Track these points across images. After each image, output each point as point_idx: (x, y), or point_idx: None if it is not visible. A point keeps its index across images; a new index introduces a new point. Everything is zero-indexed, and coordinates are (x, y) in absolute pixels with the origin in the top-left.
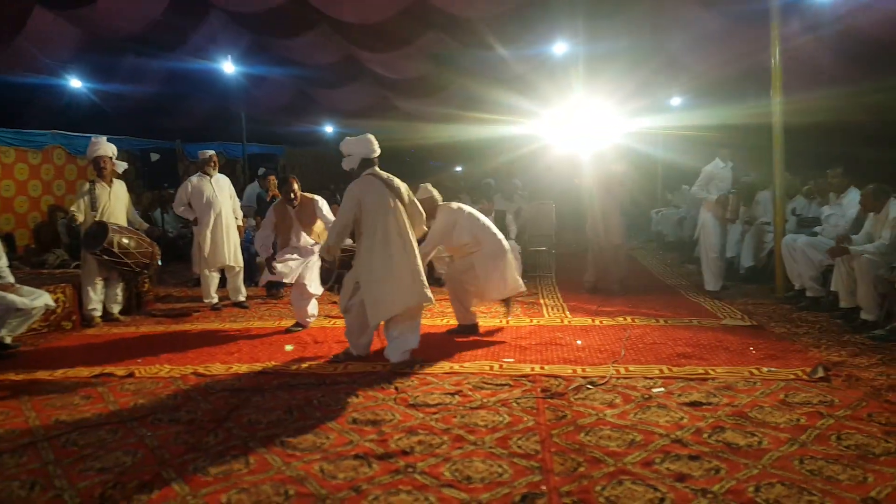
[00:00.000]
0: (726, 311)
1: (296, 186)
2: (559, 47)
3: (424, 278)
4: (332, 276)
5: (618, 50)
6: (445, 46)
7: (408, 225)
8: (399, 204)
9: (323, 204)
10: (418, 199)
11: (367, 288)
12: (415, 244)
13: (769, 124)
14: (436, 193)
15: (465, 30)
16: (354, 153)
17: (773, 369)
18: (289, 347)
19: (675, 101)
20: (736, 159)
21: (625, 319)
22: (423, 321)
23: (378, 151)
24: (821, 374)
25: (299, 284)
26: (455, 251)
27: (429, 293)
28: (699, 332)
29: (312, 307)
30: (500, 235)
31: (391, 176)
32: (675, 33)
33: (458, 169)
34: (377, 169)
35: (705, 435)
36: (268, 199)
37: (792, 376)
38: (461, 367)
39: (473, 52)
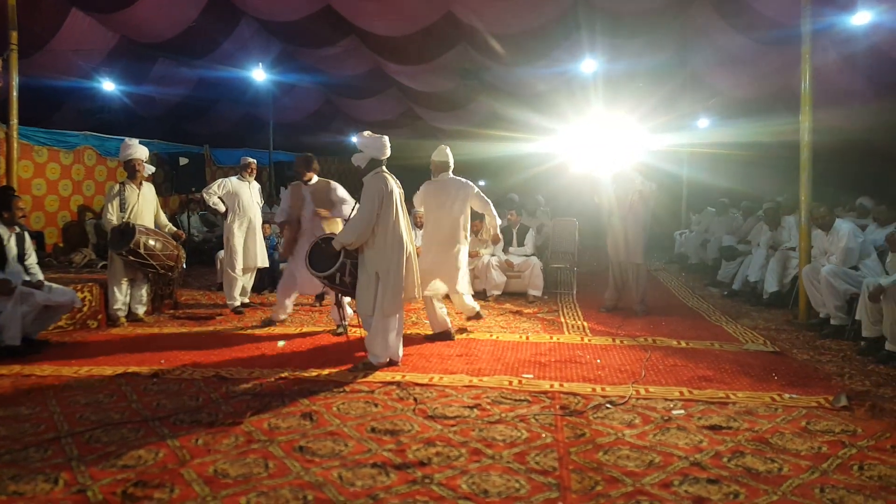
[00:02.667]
0: (749, 335)
1: (315, 165)
2: (585, 65)
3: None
4: (338, 263)
5: (643, 68)
6: (471, 61)
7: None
8: (402, 203)
9: (337, 187)
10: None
11: (387, 278)
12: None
13: (796, 143)
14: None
15: (492, 46)
16: (367, 151)
17: (794, 396)
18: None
19: (702, 120)
20: (762, 181)
21: (646, 340)
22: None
23: (388, 154)
24: (844, 402)
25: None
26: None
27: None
28: (721, 355)
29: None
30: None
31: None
32: (702, 52)
33: (482, 183)
34: (385, 169)
35: (725, 459)
36: None
37: (814, 404)
38: (480, 381)
39: (498, 69)
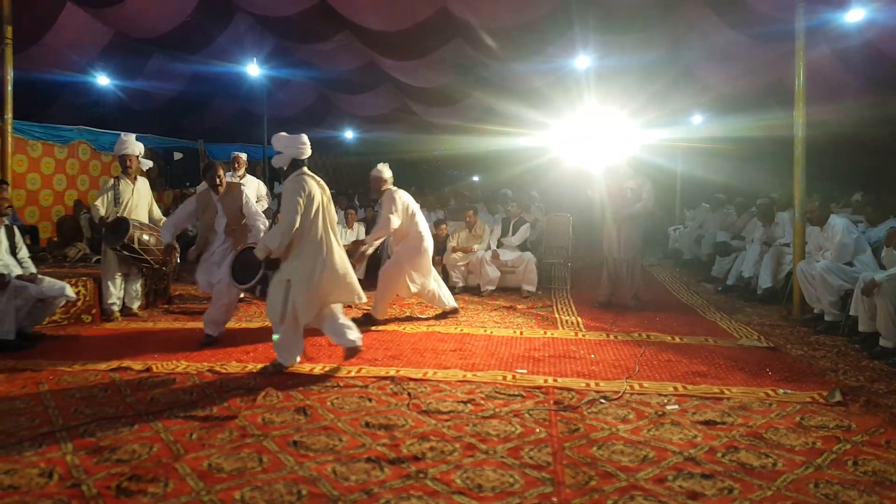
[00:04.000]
0: (743, 331)
1: (221, 172)
2: (578, 60)
3: (355, 276)
4: (259, 275)
5: (636, 63)
6: (466, 57)
7: (334, 222)
8: (328, 202)
9: (249, 193)
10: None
11: (301, 286)
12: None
13: (790, 138)
14: (386, 174)
15: (486, 41)
16: (286, 152)
17: (789, 391)
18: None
19: (696, 115)
20: (757, 177)
21: (640, 336)
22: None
23: (308, 153)
24: (838, 398)
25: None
26: (399, 237)
27: (360, 290)
28: (715, 351)
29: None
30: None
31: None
32: (695, 48)
33: (476, 178)
34: (306, 169)
35: (719, 454)
36: None
37: (808, 399)
38: (474, 375)
39: (493, 64)
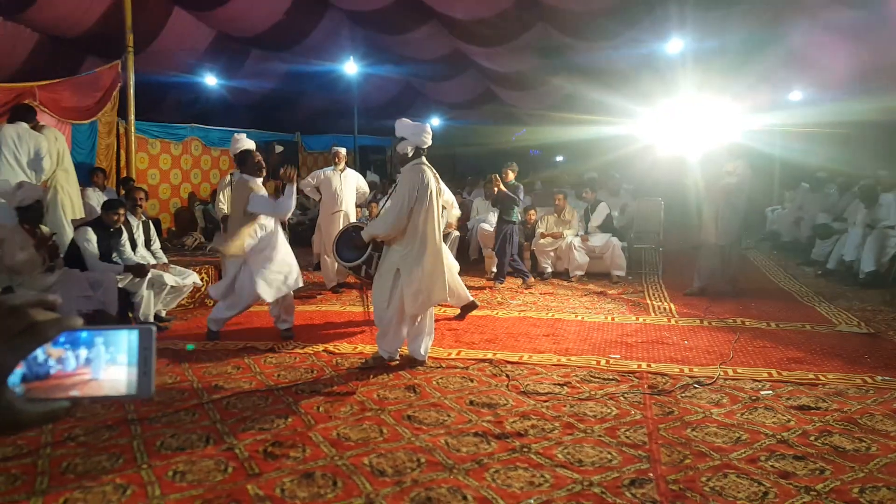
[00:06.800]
0: (842, 317)
1: (260, 158)
2: (671, 44)
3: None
4: (365, 255)
5: (733, 43)
6: (552, 40)
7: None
8: (439, 195)
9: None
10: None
11: (412, 276)
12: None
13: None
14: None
15: (572, 24)
16: (411, 139)
17: (887, 378)
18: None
19: (796, 95)
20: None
21: (734, 321)
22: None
23: (430, 143)
24: None
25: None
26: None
27: (446, 292)
28: (812, 337)
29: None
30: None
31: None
32: (798, 25)
33: (560, 159)
34: (424, 159)
35: (812, 438)
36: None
37: None
38: (568, 360)
39: (579, 46)
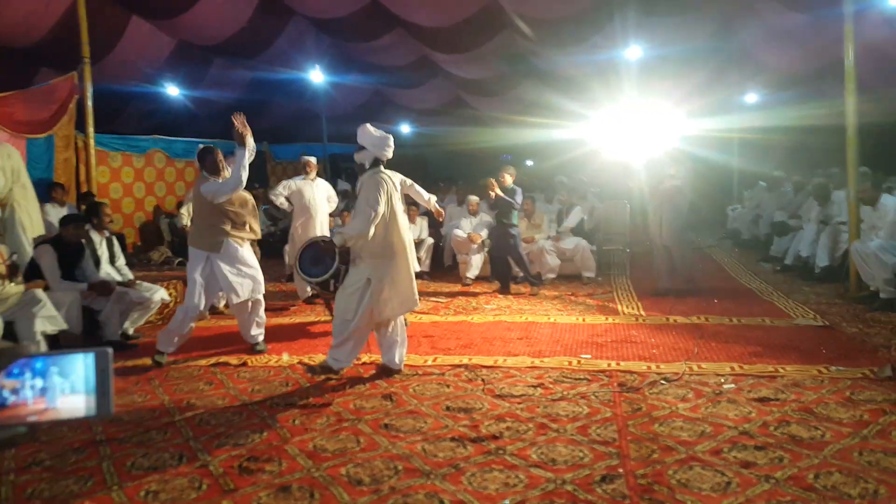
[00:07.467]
0: (799, 311)
1: (220, 157)
2: (629, 50)
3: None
4: (333, 269)
5: (686, 49)
6: (517, 47)
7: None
8: (401, 205)
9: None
10: None
11: (383, 283)
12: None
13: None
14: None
15: (533, 31)
16: (372, 150)
17: (841, 368)
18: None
19: (751, 98)
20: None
21: (698, 318)
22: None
23: (391, 156)
24: (888, 373)
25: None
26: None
27: (417, 297)
28: (771, 331)
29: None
30: None
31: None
32: (747, 28)
33: (529, 163)
34: (383, 168)
35: (771, 428)
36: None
37: (859, 375)
38: (541, 362)
39: (542, 53)
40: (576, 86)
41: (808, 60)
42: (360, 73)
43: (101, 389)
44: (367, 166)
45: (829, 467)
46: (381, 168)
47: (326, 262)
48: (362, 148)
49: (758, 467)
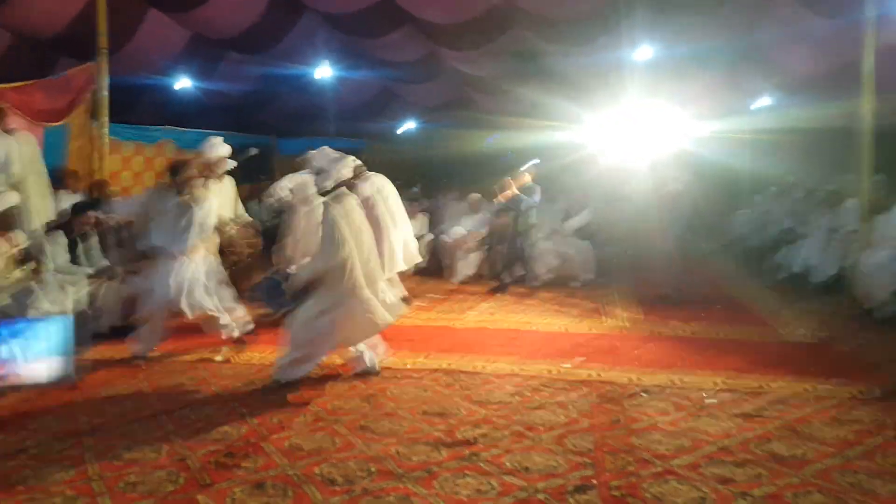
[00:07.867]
0: (794, 324)
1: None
2: (640, 51)
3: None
4: (292, 301)
5: (697, 50)
6: (526, 44)
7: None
8: (365, 218)
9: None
10: None
11: (337, 316)
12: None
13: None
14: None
15: (547, 28)
16: (332, 174)
17: (829, 387)
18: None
19: (764, 101)
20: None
21: (686, 329)
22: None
23: (350, 175)
24: (877, 394)
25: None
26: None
27: (389, 315)
28: (760, 346)
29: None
30: None
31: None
32: (763, 31)
33: (536, 161)
34: (346, 189)
35: (752, 445)
36: None
37: (847, 395)
38: (521, 369)
39: (553, 51)
40: (583, 85)
41: (825, 62)
42: (368, 69)
43: (65, 356)
44: (330, 188)
45: (809, 486)
46: (343, 189)
47: (281, 300)
48: (322, 170)
49: (735, 483)
